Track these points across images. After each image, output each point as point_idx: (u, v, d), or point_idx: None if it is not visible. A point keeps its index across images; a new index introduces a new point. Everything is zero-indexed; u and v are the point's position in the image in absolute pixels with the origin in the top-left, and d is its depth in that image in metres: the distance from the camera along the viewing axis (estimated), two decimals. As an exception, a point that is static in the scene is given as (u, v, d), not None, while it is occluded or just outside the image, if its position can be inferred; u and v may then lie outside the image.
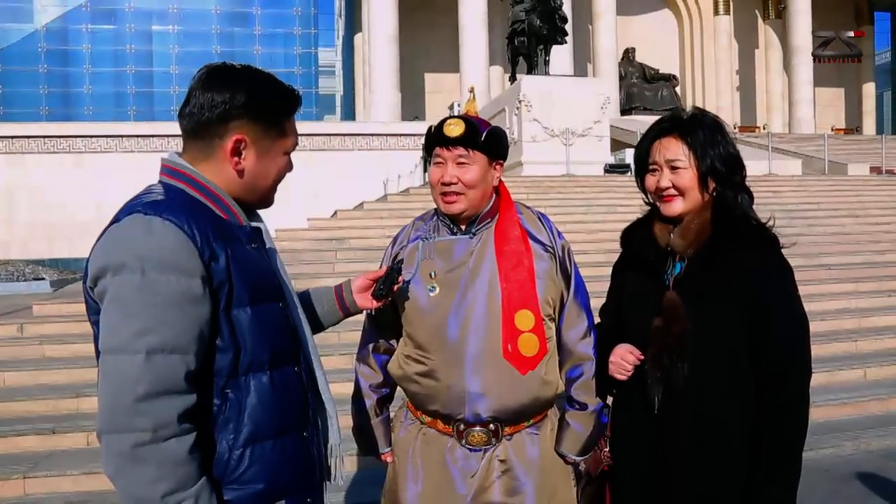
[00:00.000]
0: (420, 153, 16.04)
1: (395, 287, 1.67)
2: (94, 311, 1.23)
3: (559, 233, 1.82)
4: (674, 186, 1.59)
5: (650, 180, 1.65)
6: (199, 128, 1.28)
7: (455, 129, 1.68)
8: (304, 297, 1.66)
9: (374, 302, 1.67)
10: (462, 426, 1.68)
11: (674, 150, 1.59)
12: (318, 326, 1.67)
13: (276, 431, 1.28)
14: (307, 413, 1.36)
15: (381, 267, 1.84)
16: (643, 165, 1.67)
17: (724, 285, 1.53)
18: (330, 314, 1.71)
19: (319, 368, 1.41)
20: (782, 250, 1.59)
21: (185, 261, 1.17)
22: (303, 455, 1.33)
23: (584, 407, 1.76)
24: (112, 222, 1.22)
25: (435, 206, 1.79)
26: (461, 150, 1.69)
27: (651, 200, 1.69)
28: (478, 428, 1.67)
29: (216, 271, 1.21)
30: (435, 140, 1.72)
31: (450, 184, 1.68)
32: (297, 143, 1.39)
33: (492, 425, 1.67)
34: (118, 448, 1.13)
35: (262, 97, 1.29)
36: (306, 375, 1.38)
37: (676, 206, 1.60)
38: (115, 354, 1.14)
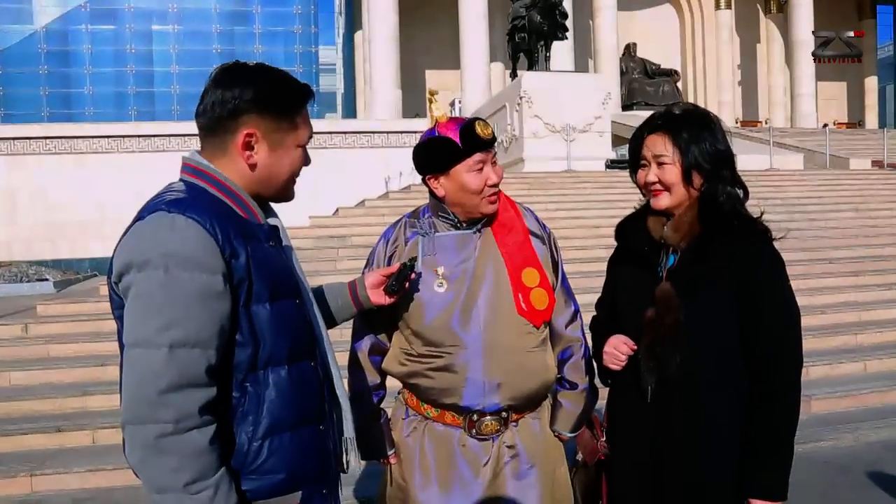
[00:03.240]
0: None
1: (407, 283, 1.68)
2: (117, 306, 1.27)
3: (544, 224, 1.88)
4: (660, 181, 1.63)
5: (640, 175, 1.69)
6: (213, 124, 1.32)
7: (488, 129, 1.71)
8: (318, 293, 1.68)
9: (387, 298, 1.69)
10: (475, 416, 1.70)
11: (659, 145, 1.63)
12: (331, 322, 1.70)
13: (294, 424, 1.31)
14: (323, 407, 1.39)
15: (368, 266, 1.85)
16: (636, 160, 1.71)
17: (715, 277, 1.56)
18: (344, 309, 1.74)
19: (334, 364, 1.45)
20: (774, 242, 1.61)
21: (207, 258, 1.21)
22: (319, 447, 1.37)
23: (574, 386, 1.82)
24: (136, 220, 1.25)
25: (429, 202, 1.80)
26: (494, 150, 1.74)
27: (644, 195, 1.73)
28: (489, 417, 1.71)
29: (237, 268, 1.25)
30: (476, 145, 1.68)
31: (496, 185, 1.72)
32: (311, 136, 1.41)
33: (503, 413, 1.71)
34: (142, 439, 1.17)
35: (269, 91, 1.32)
36: (322, 370, 1.41)
37: (663, 201, 1.64)
38: (140, 348, 1.18)
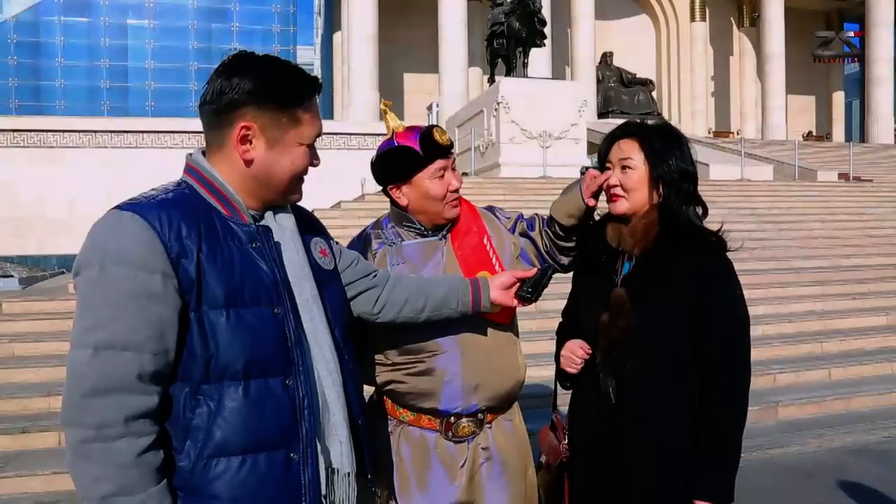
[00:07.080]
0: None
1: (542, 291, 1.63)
2: None
3: (503, 213, 1.94)
4: (620, 185, 1.68)
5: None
6: (213, 117, 1.26)
7: (446, 136, 1.74)
8: (407, 282, 1.59)
9: (516, 302, 1.64)
10: (452, 419, 1.72)
11: (628, 150, 1.68)
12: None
13: (248, 448, 1.19)
14: (296, 432, 1.24)
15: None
16: (602, 165, 1.76)
17: (666, 284, 1.61)
18: (459, 310, 1.62)
19: (335, 386, 1.30)
20: (730, 253, 1.66)
21: (145, 256, 1.14)
22: (282, 477, 1.22)
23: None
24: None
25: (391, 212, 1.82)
26: (453, 156, 1.75)
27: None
28: (465, 419, 1.72)
29: (186, 269, 1.16)
30: (436, 152, 1.72)
31: (457, 190, 1.75)
32: (318, 134, 1.32)
33: (479, 415, 1.73)
34: (70, 441, 1.13)
35: (268, 82, 1.24)
36: (306, 390, 1.25)
37: (621, 206, 1.69)
38: (72, 349, 1.14)
